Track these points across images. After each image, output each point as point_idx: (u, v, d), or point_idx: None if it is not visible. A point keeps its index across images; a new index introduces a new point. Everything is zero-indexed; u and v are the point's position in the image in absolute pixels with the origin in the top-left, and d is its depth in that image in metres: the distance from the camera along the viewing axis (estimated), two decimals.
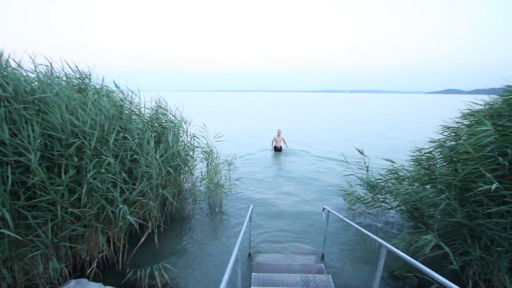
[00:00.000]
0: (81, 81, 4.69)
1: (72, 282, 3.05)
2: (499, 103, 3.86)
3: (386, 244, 2.38)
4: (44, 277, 3.14)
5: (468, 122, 4.31)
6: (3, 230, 2.58)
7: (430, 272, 1.79)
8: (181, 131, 5.71)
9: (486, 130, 3.34)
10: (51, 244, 2.99)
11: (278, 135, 11.77)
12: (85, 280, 3.12)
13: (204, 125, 6.65)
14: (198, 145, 6.16)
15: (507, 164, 3.05)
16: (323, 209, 4.21)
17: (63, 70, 4.39)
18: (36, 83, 3.65)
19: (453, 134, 4.42)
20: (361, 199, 5.50)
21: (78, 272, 3.53)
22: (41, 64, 3.93)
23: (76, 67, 4.64)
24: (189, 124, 6.01)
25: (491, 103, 4.01)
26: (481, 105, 4.21)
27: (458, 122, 4.49)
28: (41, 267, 2.97)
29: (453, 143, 4.37)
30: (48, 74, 3.94)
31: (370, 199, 5.41)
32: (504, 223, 2.91)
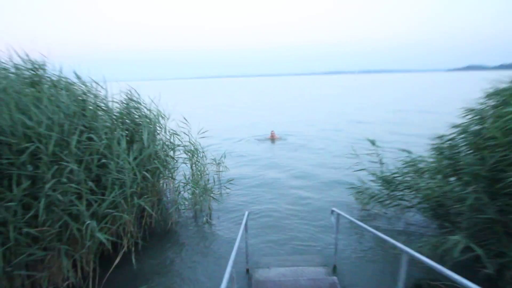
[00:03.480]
0: (33, 72, 4.57)
1: None
2: None
3: (407, 249, 2.39)
4: None
5: (494, 103, 4.32)
6: None
7: (461, 280, 1.79)
8: (158, 128, 5.61)
9: None
10: (3, 273, 2.89)
11: (272, 136, 12.65)
12: None
13: (186, 120, 6.54)
14: (180, 143, 6.06)
15: None
16: (332, 211, 4.16)
17: (11, 60, 4.26)
18: None
19: (477, 117, 4.42)
20: (376, 197, 5.51)
21: None
22: None
23: (27, 55, 4.50)
24: (168, 118, 5.90)
25: None
26: (507, 82, 4.22)
27: (482, 103, 4.50)
28: None
29: (478, 127, 4.38)
30: None
31: (385, 196, 5.40)
32: None
